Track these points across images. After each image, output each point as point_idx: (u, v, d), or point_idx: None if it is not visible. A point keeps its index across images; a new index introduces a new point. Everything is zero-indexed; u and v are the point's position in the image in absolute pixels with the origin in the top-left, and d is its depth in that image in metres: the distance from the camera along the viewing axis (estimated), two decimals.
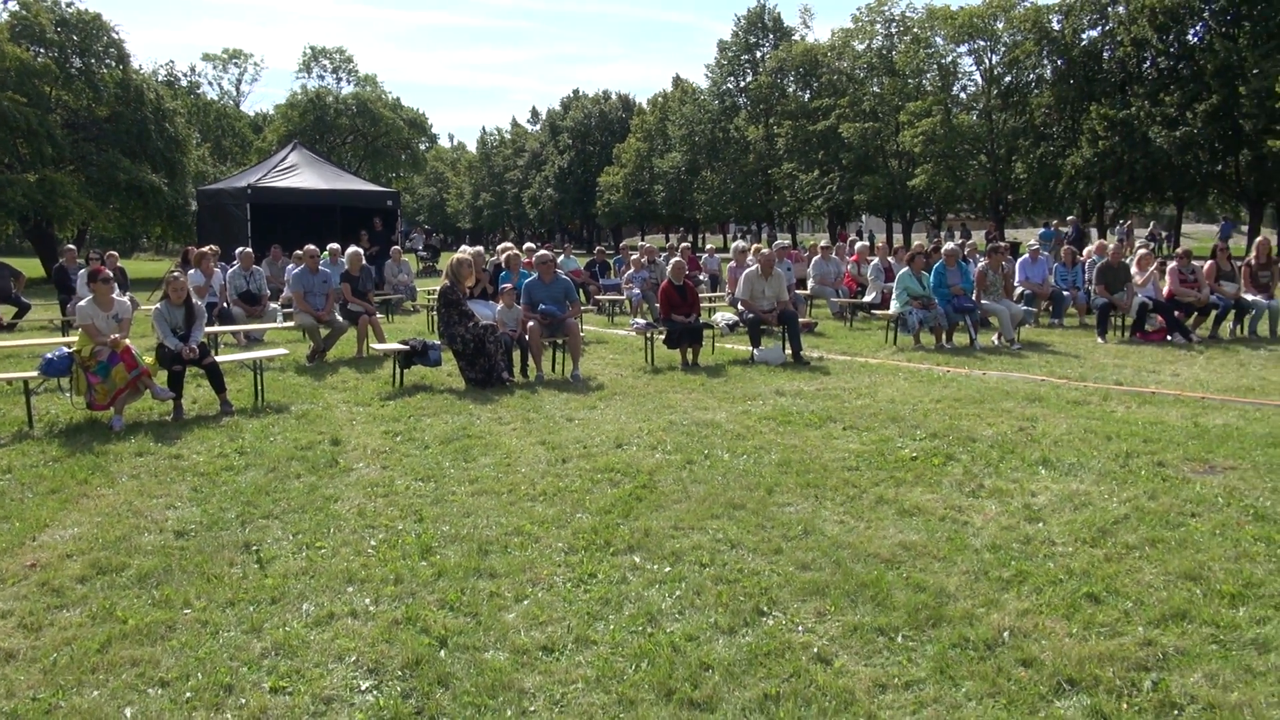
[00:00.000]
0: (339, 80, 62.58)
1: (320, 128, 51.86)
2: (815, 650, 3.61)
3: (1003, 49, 39.41)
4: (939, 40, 42.15)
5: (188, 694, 3.37)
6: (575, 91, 77.45)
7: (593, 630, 3.83)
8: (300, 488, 5.95)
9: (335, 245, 16.28)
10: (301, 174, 22.29)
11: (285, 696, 3.35)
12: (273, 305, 13.30)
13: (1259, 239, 14.06)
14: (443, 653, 3.65)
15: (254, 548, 4.85)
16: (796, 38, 53.28)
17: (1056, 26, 36.19)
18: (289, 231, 20.23)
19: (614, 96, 73.97)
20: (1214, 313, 12.57)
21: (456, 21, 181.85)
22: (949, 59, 42.18)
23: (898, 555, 4.58)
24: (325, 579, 4.41)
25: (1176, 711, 3.12)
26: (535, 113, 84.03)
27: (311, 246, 11.99)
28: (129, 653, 3.67)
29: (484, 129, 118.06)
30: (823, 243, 18.64)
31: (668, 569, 4.47)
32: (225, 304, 12.64)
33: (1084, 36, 35.70)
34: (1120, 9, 33.92)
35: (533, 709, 3.24)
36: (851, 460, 6.38)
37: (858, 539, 4.82)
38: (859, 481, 5.87)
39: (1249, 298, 12.54)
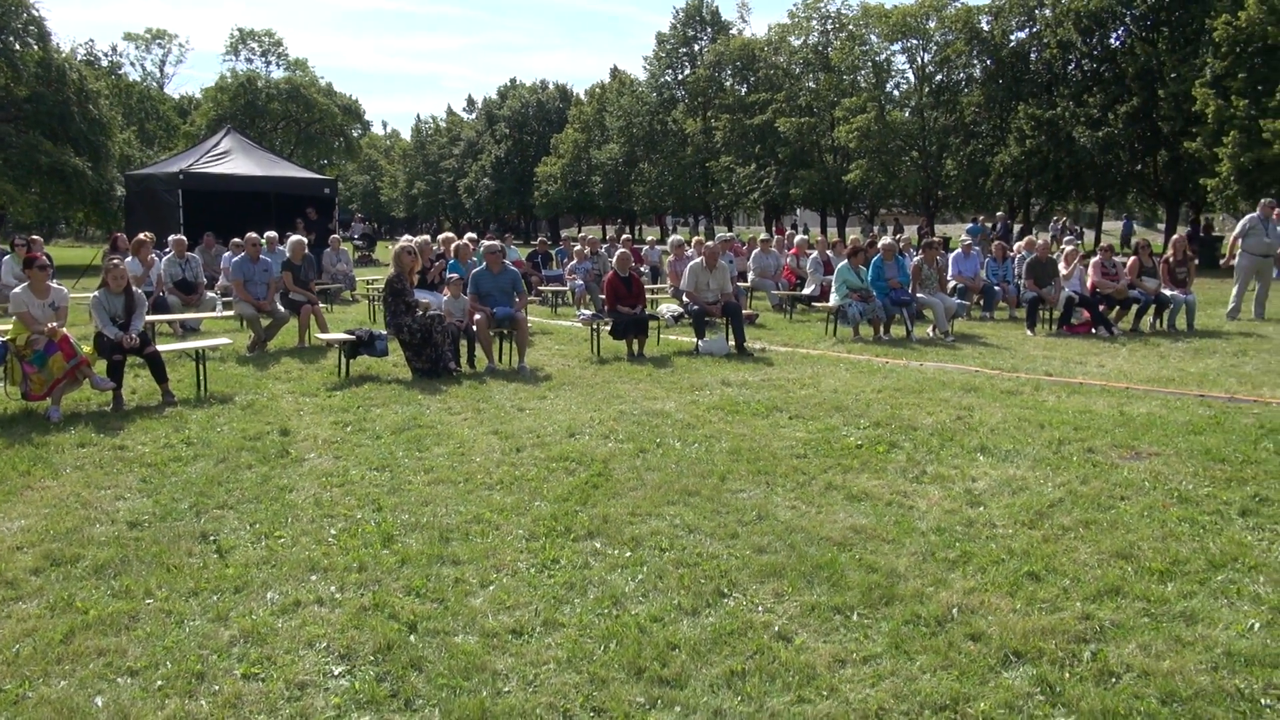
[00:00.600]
0: (268, 64, 61.28)
1: (251, 112, 50.54)
2: (776, 629, 3.75)
3: (934, 48, 40.24)
4: (873, 38, 42.85)
5: (159, 682, 3.37)
6: (512, 81, 76.91)
7: (559, 614, 3.92)
8: (253, 478, 5.91)
9: (273, 233, 16.04)
10: (235, 160, 21.79)
11: (258, 683, 3.38)
12: (210, 294, 13.04)
13: (1175, 236, 14.68)
14: (412, 637, 3.71)
15: (211, 538, 4.83)
16: (734, 32, 53.71)
17: (986, 27, 37.08)
18: (221, 219, 19.79)
19: (551, 86, 73.61)
20: (1135, 307, 13.10)
21: (389, 6, 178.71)
22: (883, 57, 42.93)
23: (849, 538, 4.76)
24: (288, 568, 4.42)
25: (1114, 679, 3.33)
26: (472, 101, 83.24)
27: (253, 234, 11.78)
28: (93, 643, 3.65)
29: (419, 116, 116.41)
30: (763, 236, 18.91)
31: (628, 554, 4.57)
32: (161, 293, 12.36)
33: (1012, 38, 36.65)
34: (1047, 12, 34.88)
35: (506, 689, 3.32)
36: (799, 448, 6.56)
37: (810, 523, 4.99)
38: (807, 469, 6.04)
39: (1167, 293, 13.10)
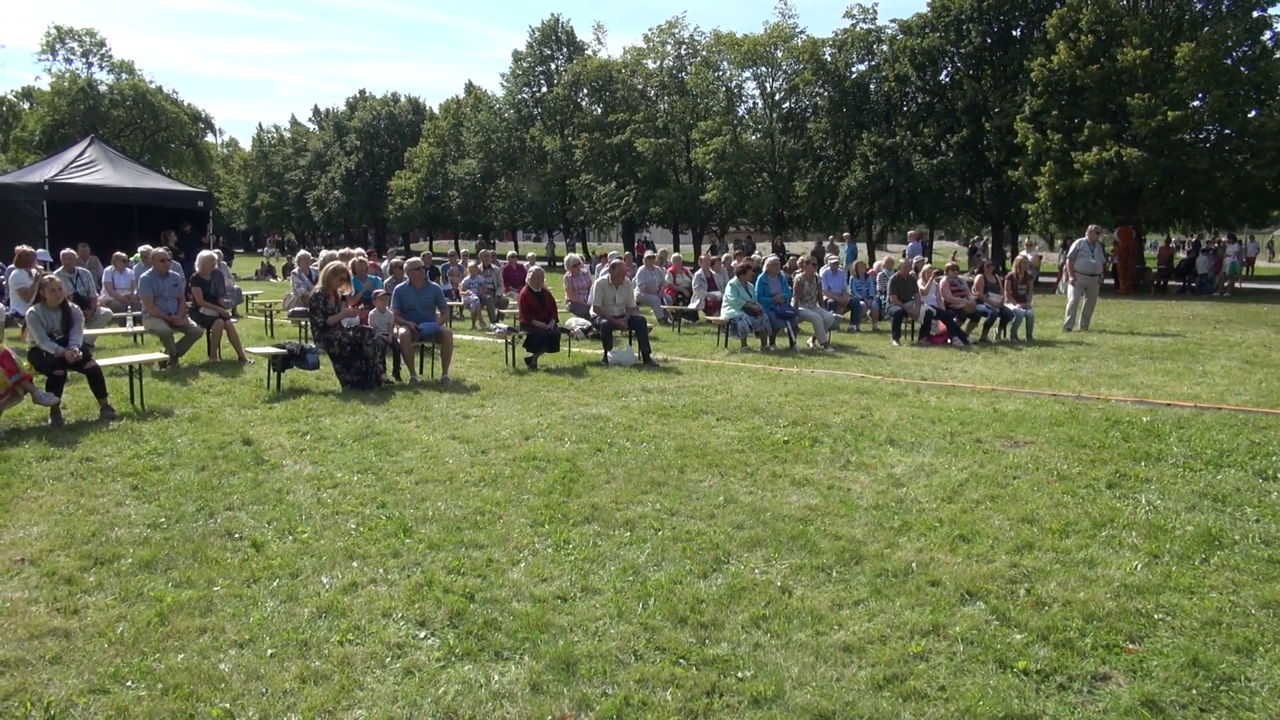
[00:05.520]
0: (89, 66, 57.77)
1: (92, 119, 47.66)
2: (778, 584, 4.52)
3: (783, 76, 42.56)
4: (726, 64, 44.86)
5: (269, 650, 3.81)
6: (361, 92, 75.56)
7: (592, 581, 4.56)
8: (243, 483, 6.22)
9: (146, 247, 15.69)
10: (102, 171, 20.90)
11: (358, 646, 3.87)
12: (104, 309, 12.76)
13: (1019, 257, 16.50)
14: (473, 606, 4.26)
15: (237, 535, 5.19)
16: (590, 53, 54.87)
17: (830, 59, 39.54)
18: (85, 232, 19.02)
19: (404, 99, 72.78)
20: (983, 320, 14.71)
21: (209, 7, 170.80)
22: (735, 83, 44.99)
23: (808, 515, 5.59)
24: (327, 557, 4.86)
25: (1047, 607, 4.27)
26: (318, 111, 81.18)
27: (160, 250, 11.68)
28: (188, 623, 4.03)
29: (260, 125, 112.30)
30: (648, 254, 19.81)
31: (628, 534, 5.25)
32: None
33: (854, 70, 39.27)
34: (885, 48, 37.64)
35: (576, 639, 3.94)
36: (736, 444, 7.39)
37: (770, 504, 5.80)
38: (749, 461, 6.87)
39: (1011, 307, 14.78)
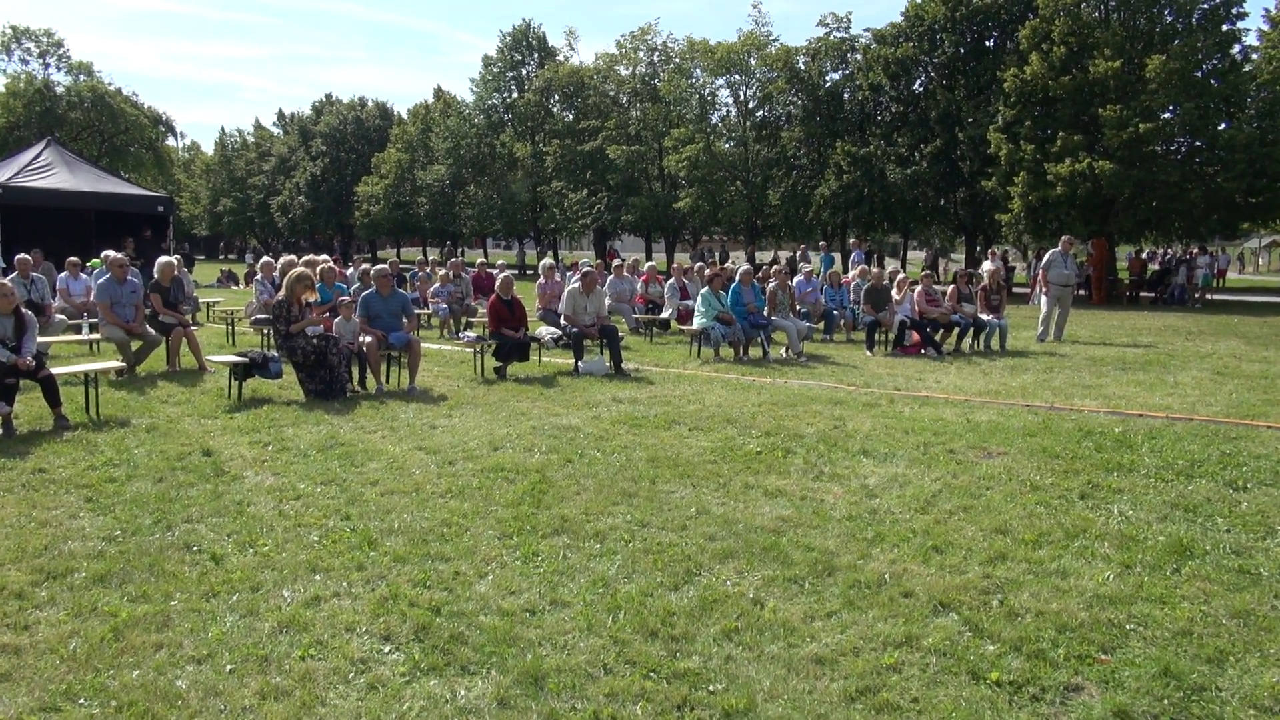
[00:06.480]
0: (46, 66, 56.96)
1: (48, 121, 47.01)
2: (750, 596, 4.53)
3: (756, 84, 42.84)
4: (699, 72, 45.08)
5: (228, 666, 3.76)
6: (328, 96, 75.22)
7: (561, 594, 4.54)
8: (202, 495, 6.15)
9: (109, 252, 15.50)
10: (59, 174, 20.60)
11: (320, 661, 3.83)
12: (59, 316, 12.58)
13: (991, 269, 16.71)
14: (439, 619, 4.23)
15: (195, 548, 5.12)
16: (561, 58, 54.95)
17: (803, 67, 39.86)
18: (41, 237, 18.78)
19: (371, 104, 72.51)
20: (957, 330, 14.86)
21: (172, 8, 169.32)
22: (708, 90, 45.21)
23: (780, 526, 5.61)
24: (289, 570, 4.81)
25: (1019, 619, 4.31)
26: (283, 115, 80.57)
27: (118, 254, 11.53)
28: (144, 638, 3.97)
29: (223, 129, 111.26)
30: (615, 262, 19.85)
31: (598, 546, 5.24)
32: None
33: (828, 78, 39.64)
34: (858, 56, 38.03)
35: (545, 653, 3.93)
36: (708, 455, 7.40)
37: (742, 515, 5.81)
38: (722, 472, 6.89)
39: (984, 317, 14.94)
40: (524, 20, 56.16)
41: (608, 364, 11.91)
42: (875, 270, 16.77)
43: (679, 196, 43.67)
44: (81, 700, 3.49)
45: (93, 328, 12.23)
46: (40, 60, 56.91)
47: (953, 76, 34.85)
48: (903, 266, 38.38)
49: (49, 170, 20.64)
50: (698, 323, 13.67)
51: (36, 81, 49.61)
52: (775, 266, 17.86)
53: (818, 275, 17.91)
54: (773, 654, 3.94)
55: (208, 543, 5.21)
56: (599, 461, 7.13)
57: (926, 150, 34.27)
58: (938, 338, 14.57)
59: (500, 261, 23.94)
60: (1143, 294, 29.74)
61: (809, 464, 7.15)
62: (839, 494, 6.34)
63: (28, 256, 12.89)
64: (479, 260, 21.67)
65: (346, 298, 10.93)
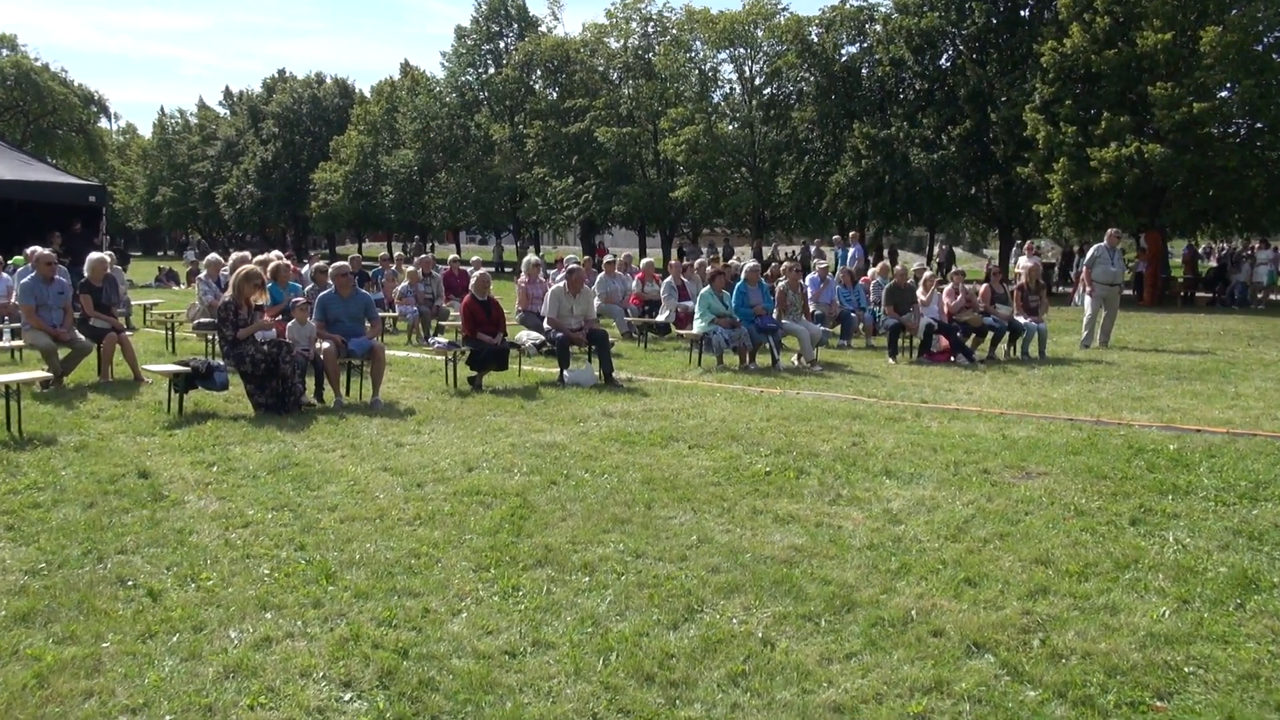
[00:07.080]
0: None
1: None
2: (759, 636, 4.52)
3: (764, 58, 43.01)
4: (699, 44, 45.26)
5: (167, 716, 3.74)
6: (280, 72, 75.24)
7: (545, 634, 4.53)
8: (137, 522, 6.13)
9: (35, 248, 15.47)
10: None
11: (272, 711, 3.81)
12: None
13: (1029, 266, 16.77)
14: (406, 663, 4.22)
15: (129, 582, 5.10)
16: (543, 30, 55.11)
17: (816, 39, 40.04)
18: None
19: (329, 80, 72.57)
20: (990, 335, 14.90)
21: None
22: (709, 65, 45.38)
23: (792, 556, 5.61)
24: (235, 608, 4.79)
25: (1064, 660, 4.31)
26: (230, 94, 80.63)
27: (46, 251, 11.51)
28: (73, 685, 3.95)
29: (163, 110, 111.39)
30: (606, 259, 19.88)
31: (587, 579, 5.23)
32: None
33: (844, 52, 39.82)
34: (878, 28, 38.20)
35: (527, 701, 3.91)
36: (711, 476, 7.40)
37: (750, 544, 5.81)
38: (727, 495, 6.89)
39: (1021, 321, 14.99)
40: None
41: (596, 373, 11.92)
42: (898, 268, 16.81)
43: (676, 184, 43.74)
44: None
45: (14, 333, 12.19)
46: None
47: (984, 50, 35.03)
48: (928, 263, 38.52)
49: None
50: (698, 326, 13.68)
51: None
52: (786, 263, 17.90)
53: (833, 272, 17.92)
54: (785, 701, 3.92)
55: (144, 576, 5.18)
56: (587, 483, 7.12)
57: (955, 133, 34.39)
58: (969, 343, 14.61)
59: (475, 258, 23.96)
60: (1198, 294, 29.88)
61: (824, 486, 7.15)
62: (859, 520, 6.34)
63: None
64: (451, 257, 21.61)
65: (301, 299, 10.91)
